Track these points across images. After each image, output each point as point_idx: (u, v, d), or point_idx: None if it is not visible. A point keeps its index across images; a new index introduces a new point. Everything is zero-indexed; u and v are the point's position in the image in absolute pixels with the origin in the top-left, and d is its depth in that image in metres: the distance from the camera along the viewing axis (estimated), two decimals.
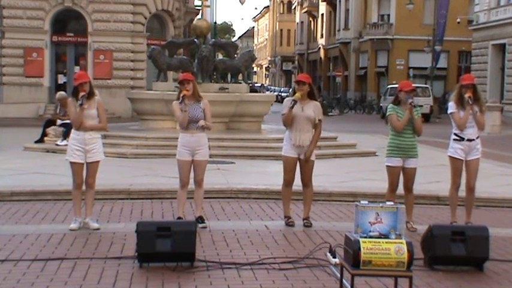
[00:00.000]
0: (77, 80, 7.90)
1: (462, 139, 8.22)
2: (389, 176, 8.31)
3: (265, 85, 79.90)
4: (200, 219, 8.05)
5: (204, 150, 8.14)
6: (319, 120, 8.26)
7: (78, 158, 7.87)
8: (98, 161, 8.00)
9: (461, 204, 8.50)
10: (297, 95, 8.06)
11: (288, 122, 8.14)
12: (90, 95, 7.87)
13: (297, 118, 8.09)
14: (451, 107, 8.27)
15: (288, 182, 8.33)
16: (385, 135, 8.45)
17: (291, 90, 51.17)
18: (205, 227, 7.98)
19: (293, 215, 8.48)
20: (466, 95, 8.11)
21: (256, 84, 66.82)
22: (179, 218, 7.98)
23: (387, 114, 8.41)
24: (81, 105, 7.74)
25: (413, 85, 8.54)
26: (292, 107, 8.01)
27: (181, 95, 7.97)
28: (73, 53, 32.13)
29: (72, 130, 8.02)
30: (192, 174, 8.18)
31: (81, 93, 7.78)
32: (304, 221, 8.32)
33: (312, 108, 8.16)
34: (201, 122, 8.02)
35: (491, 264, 6.64)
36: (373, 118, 39.22)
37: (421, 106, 9.02)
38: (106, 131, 9.08)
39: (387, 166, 8.31)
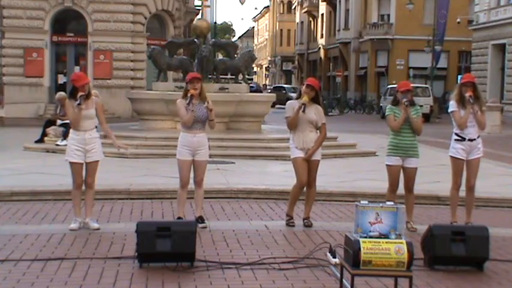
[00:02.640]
0: (78, 81, 7.89)
1: (463, 139, 8.22)
2: (389, 175, 8.32)
3: (268, 85, 77.54)
4: (200, 219, 8.05)
5: (204, 150, 8.14)
6: (323, 123, 8.24)
7: (78, 158, 7.87)
8: (97, 161, 8.00)
9: (462, 204, 8.51)
10: (305, 98, 8.04)
11: (294, 125, 8.14)
12: (88, 96, 7.88)
13: (300, 121, 8.09)
14: (452, 105, 8.28)
15: (302, 184, 8.24)
16: (386, 135, 8.47)
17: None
18: (205, 227, 7.98)
19: (293, 214, 8.46)
20: (467, 94, 8.11)
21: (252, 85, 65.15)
22: (179, 218, 7.98)
23: (385, 114, 8.46)
24: (79, 104, 7.74)
25: (411, 85, 8.55)
26: (304, 110, 8.00)
27: (189, 94, 7.94)
28: (73, 53, 32.17)
29: (71, 130, 8.02)
30: (191, 174, 8.18)
31: (80, 94, 7.78)
32: (305, 220, 8.31)
33: (314, 111, 8.15)
34: (210, 106, 7.95)
35: (491, 264, 6.64)
36: (373, 118, 39.22)
37: (421, 106, 8.98)
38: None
39: (387, 165, 8.33)
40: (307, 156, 8.17)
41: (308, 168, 8.24)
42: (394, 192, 8.33)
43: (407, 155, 8.20)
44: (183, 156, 8.06)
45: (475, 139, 8.24)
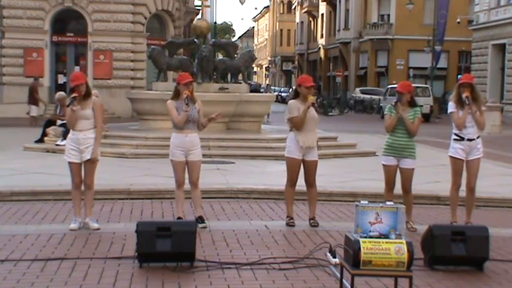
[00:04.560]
0: (73, 81, 7.87)
1: (462, 139, 8.23)
2: (384, 174, 8.35)
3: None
4: (200, 219, 8.05)
5: (197, 150, 8.16)
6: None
7: (74, 158, 7.87)
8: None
9: (462, 204, 8.51)
10: (311, 98, 8.09)
11: (301, 125, 8.13)
12: (86, 96, 7.85)
13: (306, 120, 8.11)
14: (451, 106, 8.30)
15: (293, 182, 8.33)
16: (385, 135, 8.47)
17: (290, 90, 50.92)
18: (205, 227, 7.98)
19: (293, 215, 8.47)
20: (464, 95, 8.12)
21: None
22: (179, 218, 7.99)
23: (384, 114, 8.53)
24: (68, 105, 7.74)
25: (412, 86, 8.56)
26: (316, 110, 8.10)
27: (185, 95, 7.95)
28: (73, 53, 32.17)
29: (70, 130, 8.03)
30: (186, 175, 8.19)
31: (73, 95, 7.77)
32: (311, 221, 8.32)
33: (315, 109, 8.24)
34: (213, 116, 8.11)
35: (491, 264, 6.64)
36: (373, 118, 39.20)
37: (421, 106, 8.96)
38: (105, 131, 9.07)
39: (382, 165, 8.37)
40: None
41: (307, 169, 8.26)
42: (391, 192, 8.34)
43: (402, 155, 8.20)
44: (176, 157, 8.09)
45: (474, 139, 8.24)
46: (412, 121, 8.14)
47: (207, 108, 8.38)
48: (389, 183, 8.32)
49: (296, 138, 8.19)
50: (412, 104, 8.24)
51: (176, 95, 8.12)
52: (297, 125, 8.18)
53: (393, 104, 8.15)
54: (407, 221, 8.18)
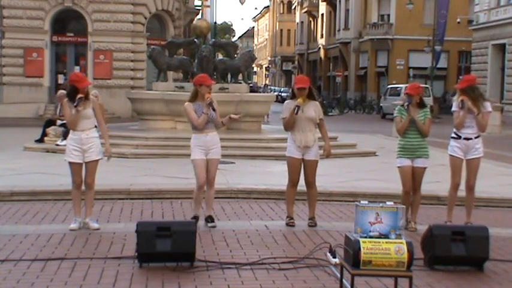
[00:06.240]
0: (81, 82, 7.85)
1: (459, 137, 8.29)
2: (401, 176, 8.35)
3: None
4: (210, 219, 8.11)
5: (217, 148, 8.27)
6: (321, 119, 8.31)
7: (76, 158, 7.86)
8: (95, 161, 7.97)
9: (461, 204, 8.52)
10: (299, 100, 8.08)
11: (290, 125, 8.17)
12: (86, 96, 7.87)
13: (299, 120, 8.11)
14: (454, 105, 8.35)
15: (294, 182, 8.34)
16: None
17: (291, 90, 51.01)
18: (214, 227, 8.03)
19: (293, 215, 8.47)
20: (459, 98, 8.21)
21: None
22: (195, 216, 8.05)
23: (394, 115, 8.58)
24: (76, 106, 7.73)
25: (420, 87, 8.57)
26: (296, 113, 8.04)
27: (207, 99, 7.99)
28: (73, 53, 32.18)
29: (70, 130, 8.02)
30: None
31: (79, 95, 7.77)
32: (310, 221, 8.33)
33: (313, 108, 8.21)
34: (234, 116, 8.32)
35: (491, 264, 6.64)
36: (373, 118, 39.21)
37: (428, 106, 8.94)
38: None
39: (398, 167, 8.37)
40: (328, 153, 8.33)
41: (305, 169, 8.26)
42: (408, 194, 8.34)
43: (415, 155, 8.24)
44: (197, 156, 8.15)
45: (471, 138, 8.27)
46: (423, 122, 8.16)
47: None
48: (407, 185, 8.31)
49: (293, 138, 8.22)
50: (422, 105, 8.27)
51: (194, 97, 8.13)
52: (285, 125, 8.25)
53: (405, 106, 8.15)
54: (410, 221, 8.20)
